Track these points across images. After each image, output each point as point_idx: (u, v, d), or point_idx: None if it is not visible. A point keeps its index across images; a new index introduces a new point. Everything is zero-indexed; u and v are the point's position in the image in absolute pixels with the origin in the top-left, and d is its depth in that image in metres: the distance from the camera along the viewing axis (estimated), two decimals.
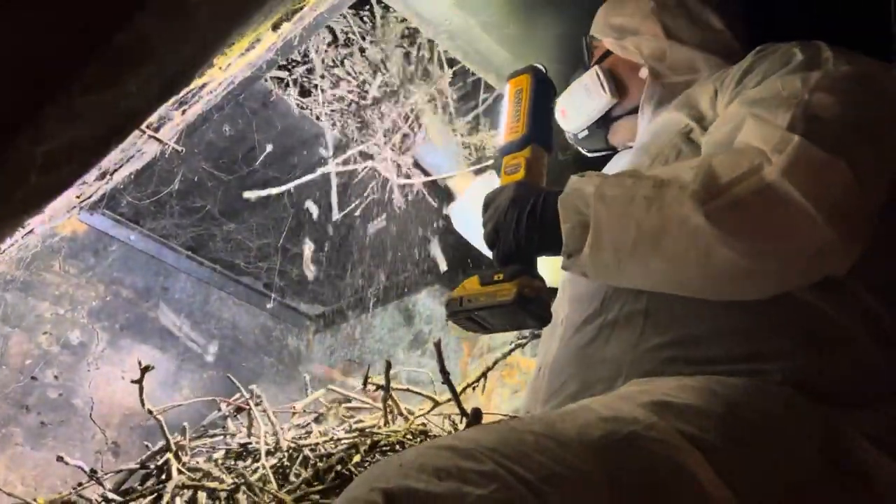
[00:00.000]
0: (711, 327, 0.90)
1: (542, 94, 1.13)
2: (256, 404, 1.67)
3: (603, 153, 1.45)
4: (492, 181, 1.62)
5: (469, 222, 1.64)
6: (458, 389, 1.54)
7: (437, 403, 1.48)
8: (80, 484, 1.61)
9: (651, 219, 0.83)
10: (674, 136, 1.06)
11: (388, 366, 1.54)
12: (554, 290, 1.16)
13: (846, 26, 1.22)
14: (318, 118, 1.96)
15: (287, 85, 1.95)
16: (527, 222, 0.97)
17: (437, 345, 1.33)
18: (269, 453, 1.48)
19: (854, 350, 0.88)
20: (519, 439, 0.73)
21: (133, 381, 1.50)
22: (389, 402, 1.55)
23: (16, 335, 2.10)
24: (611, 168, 1.31)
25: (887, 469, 0.81)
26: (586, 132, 1.39)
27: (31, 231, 1.76)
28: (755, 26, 1.22)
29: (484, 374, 1.56)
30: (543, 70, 1.16)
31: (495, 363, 1.67)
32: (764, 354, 0.87)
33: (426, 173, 1.93)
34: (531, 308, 0.94)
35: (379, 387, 1.54)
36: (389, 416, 1.56)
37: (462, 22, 1.64)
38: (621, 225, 0.86)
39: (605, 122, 1.36)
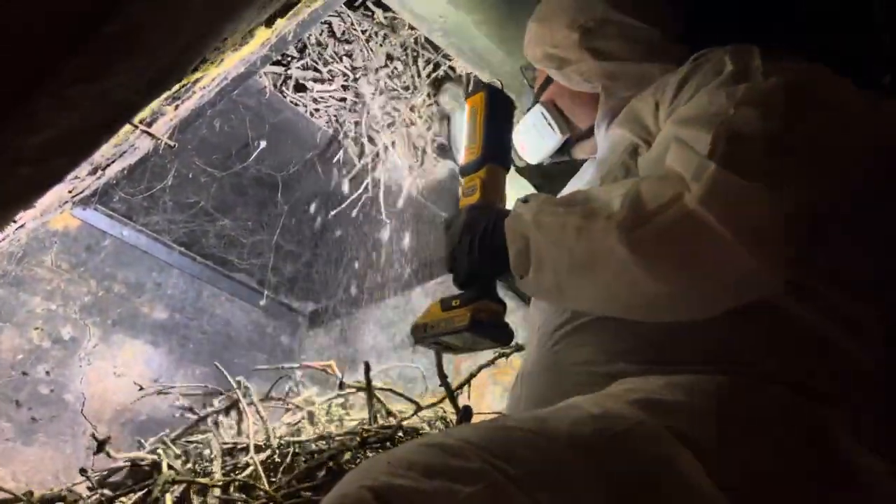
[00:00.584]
0: (684, 330, 0.90)
1: (497, 112, 1.15)
2: (244, 396, 1.67)
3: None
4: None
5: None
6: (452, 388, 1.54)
7: (419, 408, 1.48)
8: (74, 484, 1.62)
9: (580, 247, 0.85)
10: (621, 154, 1.07)
11: (367, 367, 1.54)
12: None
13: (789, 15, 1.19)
14: (311, 114, 1.95)
15: (282, 81, 1.94)
16: (479, 247, 1.00)
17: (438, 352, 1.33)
18: (258, 449, 1.48)
19: (833, 353, 0.88)
20: (508, 437, 0.73)
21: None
22: (375, 401, 1.55)
23: (7, 330, 2.09)
24: (580, 176, 1.31)
25: (874, 467, 0.81)
26: (549, 159, 1.40)
27: (22, 226, 1.75)
28: (680, 19, 1.19)
29: (468, 381, 1.56)
30: (499, 85, 1.17)
31: (479, 369, 1.67)
32: (739, 357, 0.87)
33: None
34: (487, 332, 0.99)
35: (360, 388, 1.54)
36: (378, 415, 1.56)
37: (457, 19, 1.64)
38: (556, 251, 0.88)
39: (564, 148, 1.36)
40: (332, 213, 2.28)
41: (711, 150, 0.82)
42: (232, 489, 1.37)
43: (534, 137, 1.35)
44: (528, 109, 1.36)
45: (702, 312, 0.87)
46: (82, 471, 1.56)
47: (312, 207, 2.22)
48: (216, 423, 1.81)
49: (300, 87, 1.92)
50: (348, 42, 1.89)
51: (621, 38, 1.20)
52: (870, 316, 0.90)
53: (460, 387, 1.55)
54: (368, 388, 1.52)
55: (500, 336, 1.01)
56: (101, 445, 1.68)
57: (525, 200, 0.97)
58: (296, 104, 1.96)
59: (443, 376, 1.32)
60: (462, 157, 1.15)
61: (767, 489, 0.76)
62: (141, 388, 1.97)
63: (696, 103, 0.94)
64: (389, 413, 1.52)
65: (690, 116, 0.91)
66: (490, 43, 1.66)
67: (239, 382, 1.67)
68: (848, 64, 0.96)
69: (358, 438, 1.45)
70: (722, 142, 0.83)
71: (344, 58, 1.91)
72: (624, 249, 0.80)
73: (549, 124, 1.32)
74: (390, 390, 1.75)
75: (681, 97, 1.00)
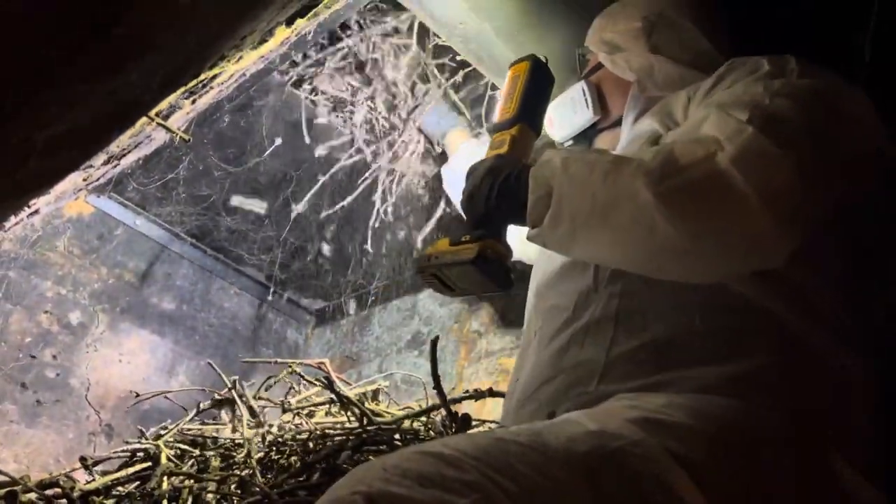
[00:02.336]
0: (681, 332, 0.92)
1: (537, 81, 1.19)
2: (240, 396, 1.68)
3: None
4: (485, 144, 1.66)
5: (456, 184, 1.68)
6: (450, 394, 1.54)
7: (404, 418, 1.48)
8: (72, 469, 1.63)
9: (606, 190, 0.87)
10: (643, 141, 1.09)
11: (330, 382, 1.54)
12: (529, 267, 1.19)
13: (826, 46, 1.28)
14: (329, 112, 1.96)
15: (299, 81, 1.95)
16: (499, 191, 1.01)
17: (434, 343, 1.32)
18: (256, 445, 1.48)
19: (824, 360, 0.89)
20: (504, 450, 0.73)
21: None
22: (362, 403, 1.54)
23: (17, 313, 2.11)
24: None
25: (866, 493, 0.81)
26: (571, 142, 1.43)
27: (36, 211, 1.77)
28: (740, 45, 1.23)
29: (470, 397, 1.54)
30: (543, 60, 1.20)
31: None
32: (732, 360, 0.88)
33: (429, 141, 1.96)
34: (490, 269, 1.01)
35: (339, 398, 1.53)
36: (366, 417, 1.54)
37: (476, 26, 1.64)
38: (580, 195, 0.89)
39: (588, 133, 1.39)
40: (344, 212, 2.29)
41: (749, 120, 0.85)
42: (228, 484, 1.37)
43: (567, 111, 1.39)
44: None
45: (709, 271, 0.89)
46: (82, 459, 1.57)
47: (324, 205, 2.23)
48: (214, 418, 1.81)
49: (315, 88, 1.93)
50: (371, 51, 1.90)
51: (675, 38, 1.26)
52: (858, 327, 0.92)
53: (458, 400, 1.54)
54: (348, 401, 1.51)
55: (502, 278, 1.02)
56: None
57: (555, 149, 1.00)
58: (313, 103, 1.96)
59: (436, 378, 1.31)
60: (496, 116, 1.19)
61: None
62: (137, 398, 1.97)
63: (732, 91, 0.97)
64: (375, 414, 1.51)
65: (727, 101, 0.95)
66: (507, 51, 1.66)
67: (234, 381, 1.67)
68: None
69: (355, 439, 1.45)
70: (759, 116, 0.86)
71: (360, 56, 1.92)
72: (649, 195, 0.82)
73: (586, 100, 1.36)
74: (378, 390, 1.75)
75: (715, 90, 1.04)
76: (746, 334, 0.91)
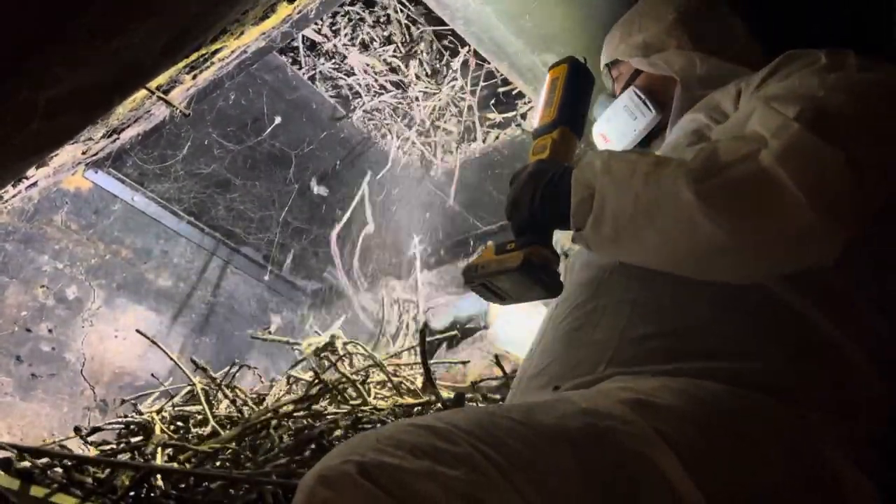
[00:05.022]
0: (697, 323, 0.91)
1: (577, 82, 1.16)
2: (227, 385, 1.68)
3: None
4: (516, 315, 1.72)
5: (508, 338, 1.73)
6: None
7: (398, 406, 1.48)
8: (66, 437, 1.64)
9: (648, 192, 0.85)
10: (689, 133, 1.07)
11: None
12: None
13: (869, 38, 1.23)
14: (326, 90, 1.96)
15: (298, 60, 1.95)
16: (542, 195, 1.00)
17: (422, 332, 1.31)
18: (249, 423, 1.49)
19: (840, 362, 0.88)
20: (495, 424, 0.74)
21: None
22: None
23: (13, 286, 2.11)
24: None
25: (858, 483, 0.81)
26: (637, 147, 1.39)
27: (34, 183, 1.76)
28: (779, 38, 1.20)
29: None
30: (583, 61, 1.19)
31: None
32: (746, 355, 0.87)
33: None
34: (538, 275, 0.99)
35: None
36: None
37: (478, 9, 1.64)
38: (622, 197, 0.88)
39: (651, 136, 1.37)
40: (342, 193, 2.29)
41: (798, 115, 0.83)
42: (220, 457, 1.38)
43: (623, 120, 1.35)
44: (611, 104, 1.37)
45: (755, 269, 0.88)
46: (77, 429, 1.58)
47: (322, 186, 2.23)
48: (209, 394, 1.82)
49: (316, 65, 1.93)
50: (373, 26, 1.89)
51: (716, 27, 1.23)
52: (886, 330, 0.90)
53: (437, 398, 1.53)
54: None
55: (550, 283, 1.00)
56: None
57: (597, 152, 0.98)
58: (312, 81, 1.96)
59: (426, 369, 1.31)
60: (536, 120, 1.17)
61: (748, 499, 0.77)
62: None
63: (786, 84, 0.95)
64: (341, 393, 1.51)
65: (778, 94, 0.92)
66: (508, 33, 1.66)
67: (236, 364, 1.67)
68: None
69: (351, 418, 1.45)
70: (809, 111, 0.83)
71: (365, 38, 1.91)
72: (690, 195, 0.81)
73: (644, 102, 1.32)
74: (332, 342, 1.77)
75: (769, 83, 1.01)
76: (765, 333, 0.89)
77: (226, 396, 1.67)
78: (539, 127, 1.14)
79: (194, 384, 1.70)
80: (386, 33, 1.87)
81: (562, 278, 1.10)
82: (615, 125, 1.37)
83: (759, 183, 0.80)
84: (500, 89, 2.15)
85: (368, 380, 1.61)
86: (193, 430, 1.60)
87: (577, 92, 1.16)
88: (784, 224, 0.81)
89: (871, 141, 0.83)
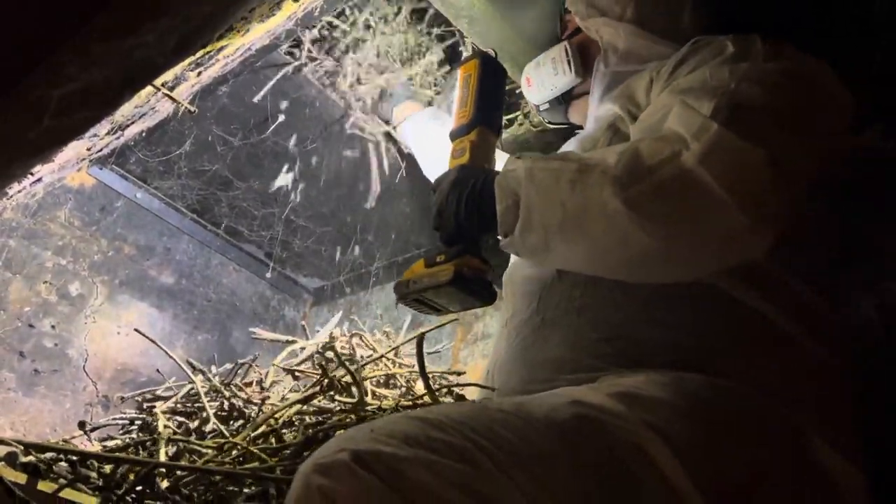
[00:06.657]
0: (646, 325, 0.92)
1: (490, 78, 1.15)
2: (230, 383, 1.69)
3: (567, 126, 1.45)
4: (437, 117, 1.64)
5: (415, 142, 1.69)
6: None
7: (397, 406, 1.48)
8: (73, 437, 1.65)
9: (575, 200, 0.86)
10: (605, 127, 1.08)
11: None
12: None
13: (818, 21, 1.20)
14: (329, 89, 1.96)
15: (303, 58, 1.95)
16: (466, 203, 1.00)
17: (420, 340, 1.30)
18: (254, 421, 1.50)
19: (792, 349, 0.90)
20: (488, 416, 0.75)
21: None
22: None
23: (16, 282, 2.12)
24: (564, 150, 1.31)
25: (842, 468, 0.83)
26: (548, 105, 1.40)
27: (39, 179, 1.77)
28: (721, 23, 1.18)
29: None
30: (493, 55, 1.17)
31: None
32: (699, 351, 0.89)
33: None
34: (471, 287, 0.99)
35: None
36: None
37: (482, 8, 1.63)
38: (549, 205, 0.88)
39: (566, 98, 1.37)
40: (343, 191, 2.29)
41: (715, 112, 0.83)
42: (225, 453, 1.39)
43: (547, 72, 1.35)
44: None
45: (687, 271, 0.89)
46: (81, 424, 1.58)
47: (325, 184, 2.23)
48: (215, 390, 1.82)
49: (321, 62, 1.93)
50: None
51: (664, 11, 1.20)
52: (824, 307, 0.92)
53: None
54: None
55: (483, 293, 1.01)
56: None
57: (518, 157, 0.98)
58: (319, 80, 1.96)
59: (424, 375, 1.30)
60: (453, 121, 1.16)
61: (737, 487, 0.78)
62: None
63: (697, 76, 0.95)
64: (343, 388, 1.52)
65: (692, 87, 0.92)
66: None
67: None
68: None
69: (355, 416, 1.46)
70: (725, 107, 0.84)
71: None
72: (618, 203, 0.82)
73: (569, 61, 1.32)
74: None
75: (677, 74, 1.01)
76: (713, 327, 0.91)
77: (230, 394, 1.68)
78: (456, 128, 1.14)
79: (194, 383, 1.71)
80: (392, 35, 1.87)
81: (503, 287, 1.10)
82: (540, 73, 1.37)
83: (684, 186, 0.81)
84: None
85: (371, 376, 1.62)
86: (197, 426, 1.61)
87: (490, 87, 1.15)
88: (712, 226, 0.82)
89: (788, 134, 0.85)
